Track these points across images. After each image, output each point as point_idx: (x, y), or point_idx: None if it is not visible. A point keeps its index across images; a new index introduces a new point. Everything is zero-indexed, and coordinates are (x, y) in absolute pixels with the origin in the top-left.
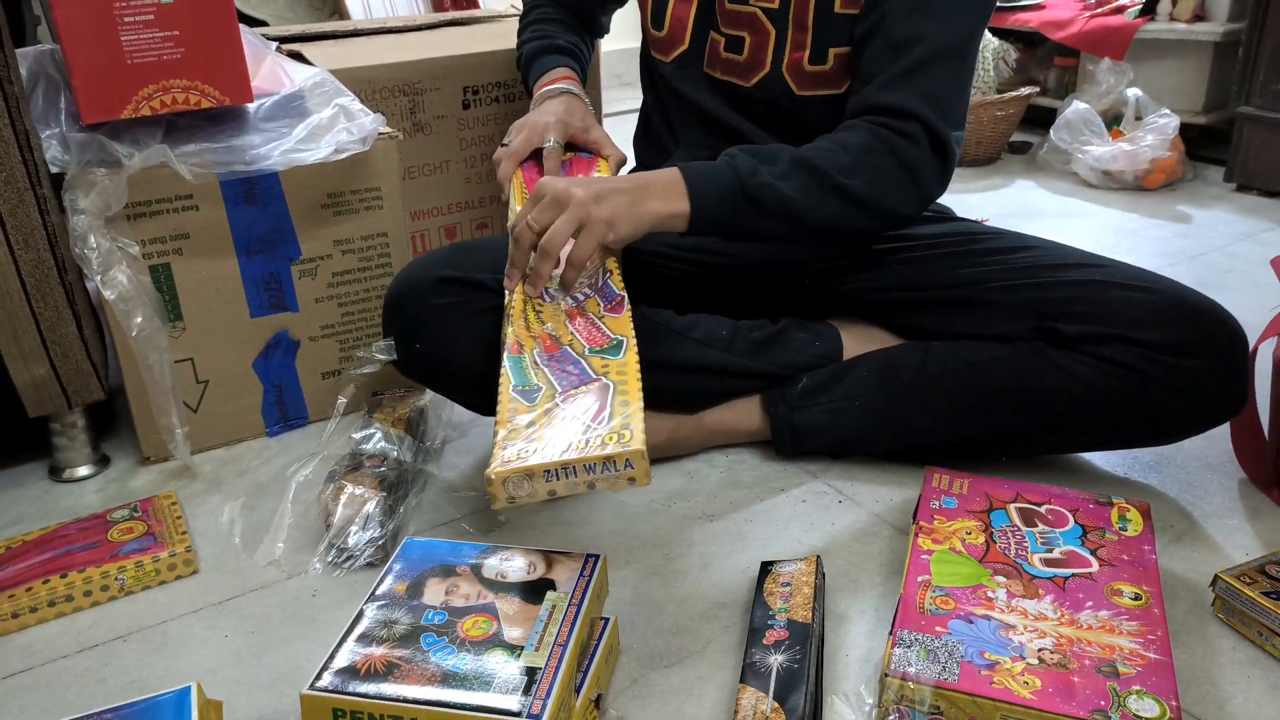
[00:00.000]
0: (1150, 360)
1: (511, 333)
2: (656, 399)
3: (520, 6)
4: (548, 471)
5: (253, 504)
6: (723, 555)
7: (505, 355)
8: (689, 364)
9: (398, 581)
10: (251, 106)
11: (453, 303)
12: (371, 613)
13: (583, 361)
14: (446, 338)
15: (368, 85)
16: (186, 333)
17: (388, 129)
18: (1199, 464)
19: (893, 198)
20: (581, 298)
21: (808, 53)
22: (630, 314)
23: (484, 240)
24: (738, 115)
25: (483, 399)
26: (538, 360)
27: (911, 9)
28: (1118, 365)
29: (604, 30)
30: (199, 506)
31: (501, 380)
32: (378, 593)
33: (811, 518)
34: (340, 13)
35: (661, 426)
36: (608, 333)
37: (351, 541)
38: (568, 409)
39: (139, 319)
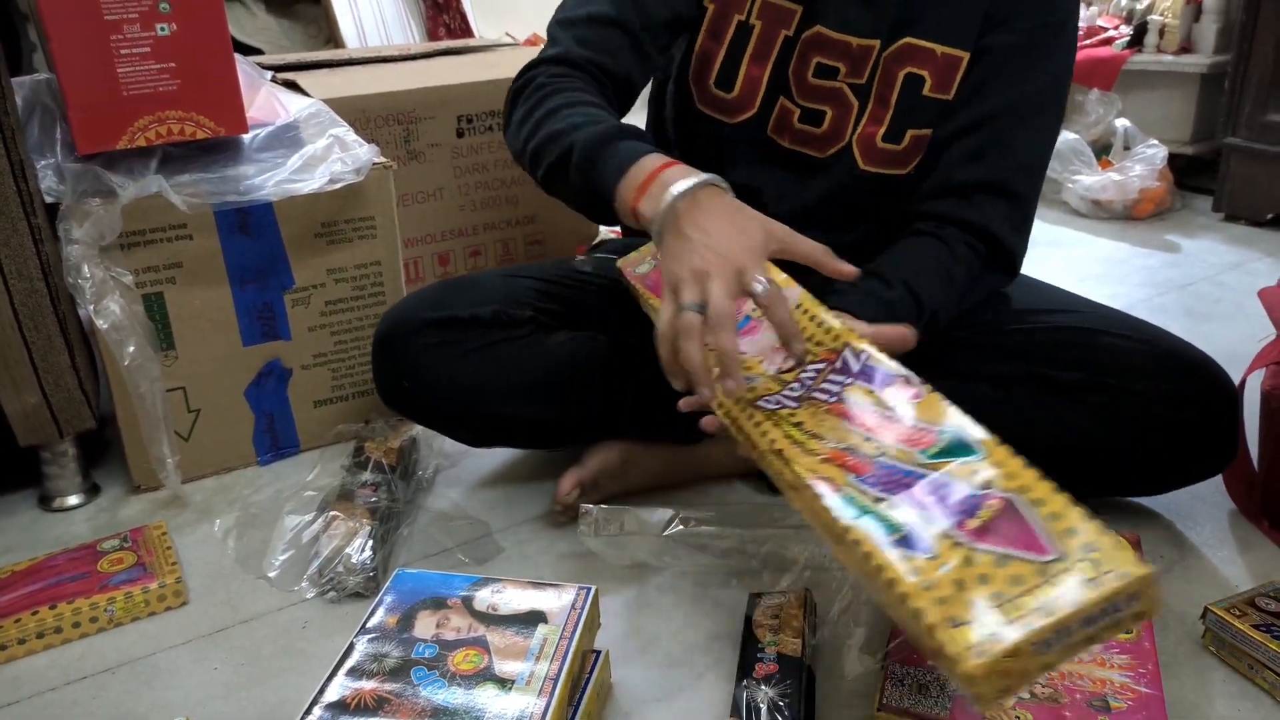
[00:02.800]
0: (1142, 410)
1: (800, 468)
2: (649, 430)
3: (514, 37)
4: (1037, 643)
5: (243, 533)
6: (715, 586)
7: (825, 496)
8: (677, 397)
9: (389, 614)
10: (246, 137)
11: (441, 342)
12: (362, 646)
13: (930, 473)
14: (435, 377)
15: (362, 114)
16: (179, 361)
17: (382, 159)
18: (1188, 495)
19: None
20: (836, 388)
21: (883, 129)
22: (937, 393)
23: (473, 276)
24: (796, 188)
25: (471, 434)
26: (864, 489)
27: (1012, 119)
28: (1110, 414)
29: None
30: (189, 536)
31: (850, 533)
32: (368, 625)
33: (806, 547)
34: (335, 41)
35: (656, 458)
36: (928, 426)
37: (341, 571)
38: (986, 547)
39: (131, 348)
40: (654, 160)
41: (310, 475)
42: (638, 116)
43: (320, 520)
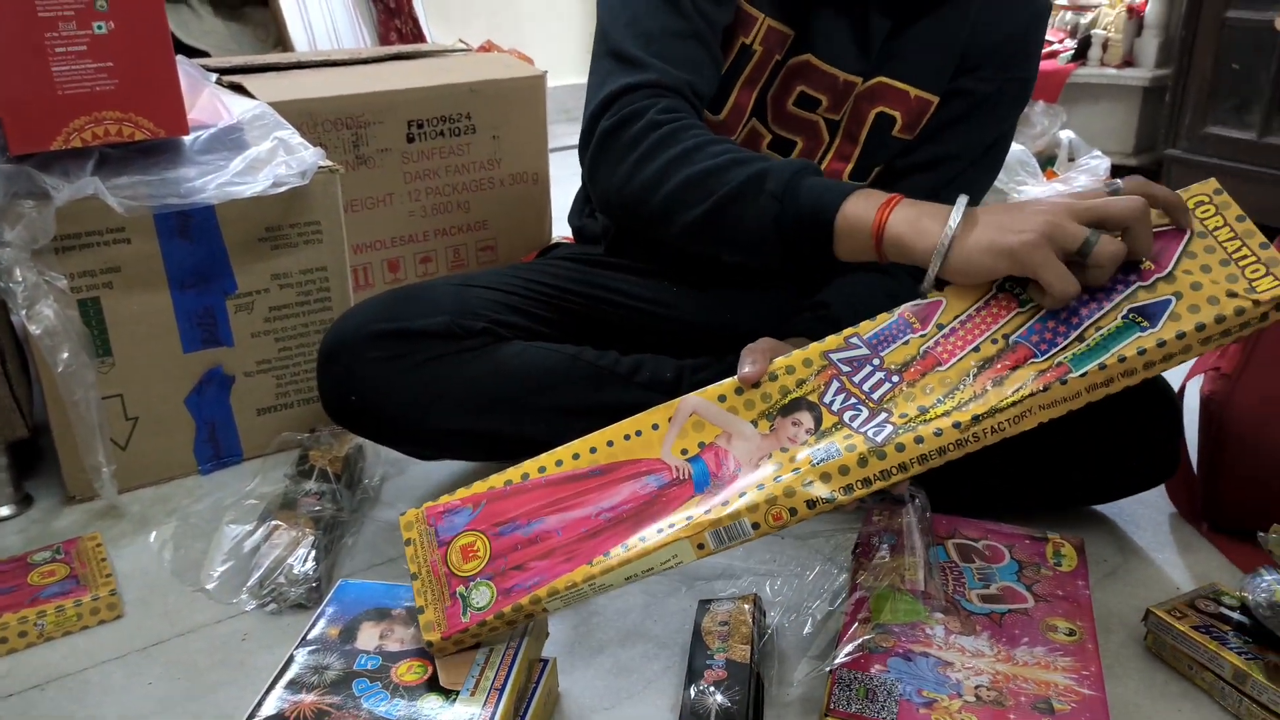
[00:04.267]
0: (1088, 423)
1: (1024, 398)
2: None
3: (467, 43)
4: None
5: (182, 544)
6: (664, 594)
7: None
8: (635, 408)
9: (330, 625)
10: (187, 139)
11: (390, 355)
12: (302, 658)
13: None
14: (384, 391)
15: (310, 118)
16: (116, 368)
17: (328, 162)
18: (1131, 499)
19: None
20: (878, 376)
21: (850, 166)
22: (938, 292)
23: (424, 285)
24: None
25: (422, 448)
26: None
27: (969, 162)
28: (1057, 427)
29: None
30: (125, 548)
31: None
32: (309, 637)
33: (753, 554)
34: (284, 44)
35: None
36: (979, 304)
37: (283, 581)
38: None
39: (65, 354)
40: (876, 193)
41: (252, 484)
42: None
43: (262, 530)
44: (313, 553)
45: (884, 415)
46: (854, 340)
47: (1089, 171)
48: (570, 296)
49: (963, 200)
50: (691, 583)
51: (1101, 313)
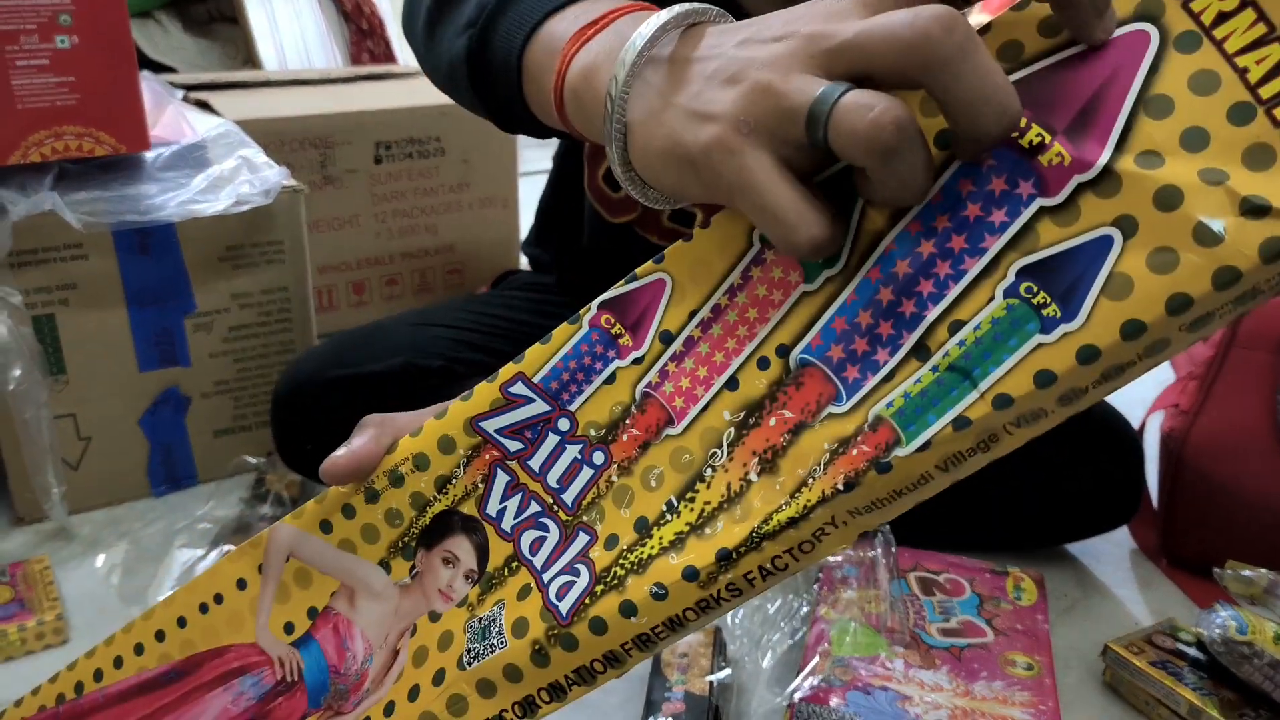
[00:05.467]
0: (1052, 465)
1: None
2: None
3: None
4: None
5: (132, 568)
6: None
7: None
8: None
9: None
10: (149, 155)
11: (345, 402)
12: None
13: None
14: (337, 439)
15: (276, 137)
16: (70, 387)
17: (293, 182)
18: None
19: None
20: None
21: None
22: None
23: (378, 325)
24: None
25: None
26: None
27: None
28: (1020, 468)
29: None
30: (74, 571)
31: None
32: None
33: None
34: (253, 62)
35: None
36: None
37: None
38: None
39: (17, 371)
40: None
41: (205, 508)
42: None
43: (214, 554)
44: None
45: (584, 540)
46: (518, 389)
47: None
48: (526, 329)
49: (654, 21)
50: None
51: (961, 283)
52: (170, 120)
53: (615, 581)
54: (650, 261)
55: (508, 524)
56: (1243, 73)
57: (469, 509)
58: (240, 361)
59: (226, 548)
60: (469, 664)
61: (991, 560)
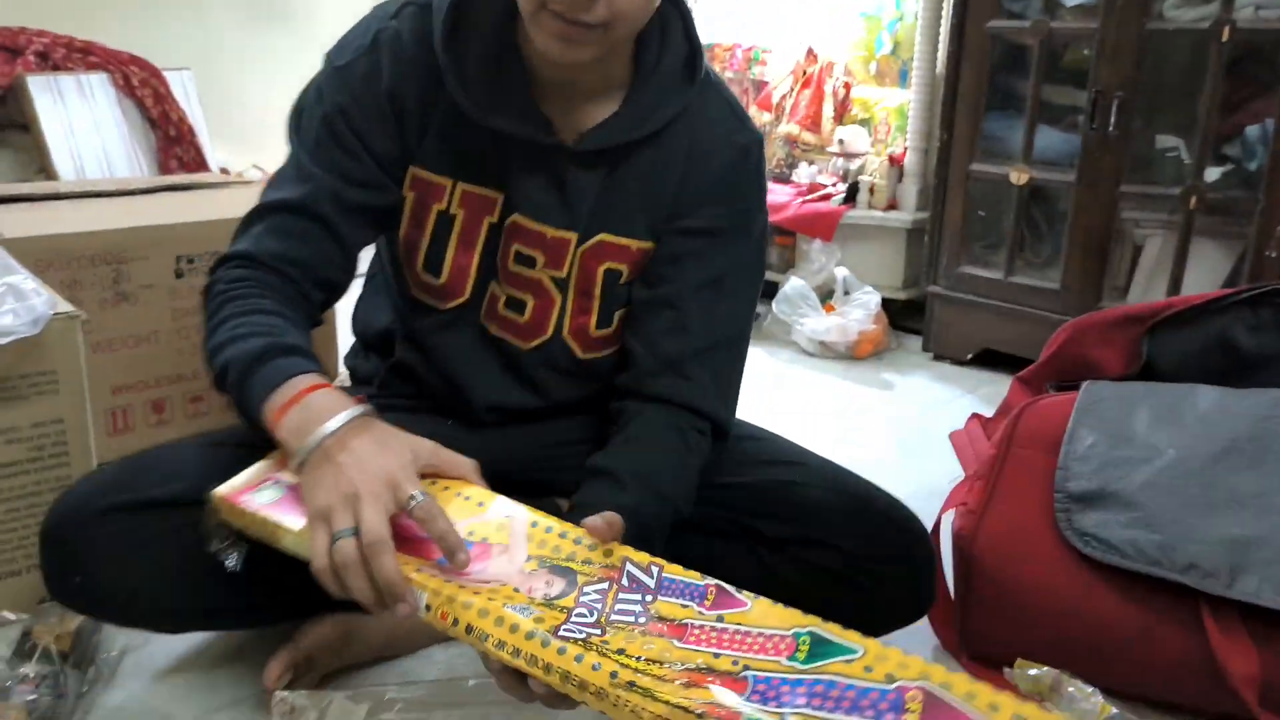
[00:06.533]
0: (846, 565)
1: (670, 697)
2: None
3: (263, 168)
4: None
5: None
6: None
7: None
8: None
9: None
10: None
11: (119, 530)
12: None
13: (816, 677)
14: (116, 569)
15: (64, 254)
16: None
17: (67, 308)
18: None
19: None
20: (638, 607)
21: (594, 319)
22: (763, 598)
23: (162, 449)
24: (505, 375)
25: (162, 626)
26: (759, 708)
27: (713, 293)
28: (818, 569)
29: (334, 300)
30: None
31: None
32: None
33: None
34: (47, 172)
35: (377, 628)
36: (776, 631)
37: None
38: None
39: None
40: (302, 381)
41: None
42: None
43: None
44: None
45: (595, 633)
46: (652, 571)
47: (862, 305)
48: None
49: (324, 430)
50: None
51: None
52: None
53: (589, 648)
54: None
55: (583, 600)
56: None
57: (582, 581)
58: (7, 501)
59: None
60: (510, 609)
61: None
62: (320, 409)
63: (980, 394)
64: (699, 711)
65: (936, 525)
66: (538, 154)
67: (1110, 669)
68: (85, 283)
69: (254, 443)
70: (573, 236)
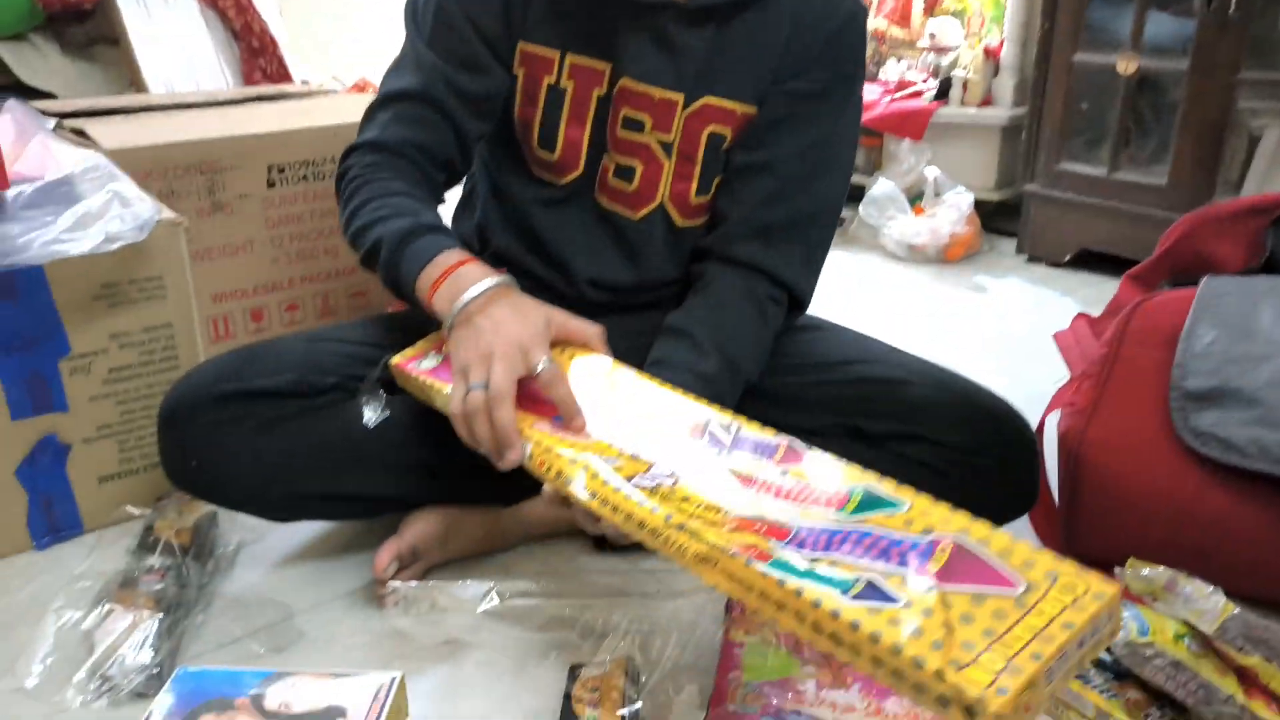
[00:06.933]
0: (948, 460)
1: (714, 538)
2: (468, 494)
3: (341, 80)
4: (1047, 671)
5: (10, 628)
6: (538, 657)
7: (758, 564)
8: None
9: (166, 719)
10: (9, 193)
11: (232, 417)
12: None
13: (858, 528)
14: (227, 456)
15: (159, 164)
16: None
17: (170, 213)
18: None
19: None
20: (712, 463)
21: (695, 185)
22: (827, 452)
23: (272, 342)
24: (608, 249)
25: (274, 512)
26: (795, 551)
27: (809, 163)
28: (919, 464)
29: (454, 182)
30: None
31: (804, 595)
32: None
33: (630, 611)
34: (137, 86)
35: (478, 522)
36: (833, 485)
37: (117, 671)
38: (957, 588)
39: None
40: (450, 257)
41: (86, 563)
42: None
43: (95, 615)
44: (151, 638)
45: (667, 482)
46: (731, 429)
47: (954, 206)
48: None
49: (468, 295)
50: (565, 645)
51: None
52: (34, 155)
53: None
54: None
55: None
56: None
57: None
58: (124, 404)
59: (109, 606)
60: (595, 464)
61: None
62: (467, 279)
63: (1079, 296)
64: (733, 551)
65: (1040, 426)
66: (645, 13)
67: (1226, 573)
68: (181, 193)
69: (348, 338)
70: (679, 98)
